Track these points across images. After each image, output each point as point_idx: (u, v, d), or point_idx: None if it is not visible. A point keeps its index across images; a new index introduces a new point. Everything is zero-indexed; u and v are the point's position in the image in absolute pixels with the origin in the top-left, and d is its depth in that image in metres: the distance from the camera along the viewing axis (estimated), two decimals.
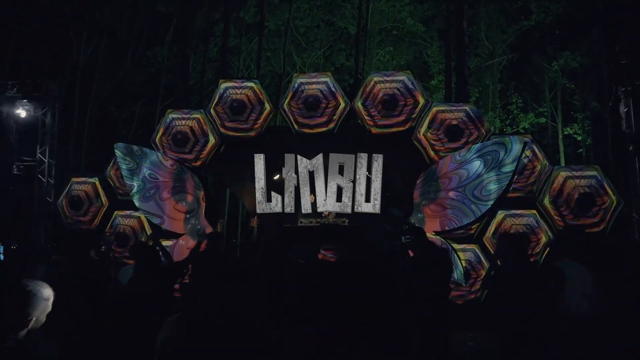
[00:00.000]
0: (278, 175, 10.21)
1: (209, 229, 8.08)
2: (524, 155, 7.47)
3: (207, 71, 17.49)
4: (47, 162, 9.32)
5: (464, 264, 7.43)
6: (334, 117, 8.17)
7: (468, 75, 10.59)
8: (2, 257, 4.00)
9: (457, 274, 7.37)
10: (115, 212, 8.46)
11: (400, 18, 16.86)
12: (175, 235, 8.05)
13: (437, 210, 7.53)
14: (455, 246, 7.52)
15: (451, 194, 7.50)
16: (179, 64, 16.16)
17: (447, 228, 7.45)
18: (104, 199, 8.53)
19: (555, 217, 7.45)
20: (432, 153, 7.83)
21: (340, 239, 8.64)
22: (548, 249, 7.27)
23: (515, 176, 7.41)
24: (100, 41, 14.96)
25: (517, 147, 7.31)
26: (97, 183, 8.62)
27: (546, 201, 7.51)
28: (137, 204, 8.08)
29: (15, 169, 9.20)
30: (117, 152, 8.20)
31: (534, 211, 7.52)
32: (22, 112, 9.04)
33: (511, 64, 19.16)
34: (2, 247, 4.05)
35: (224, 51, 15.97)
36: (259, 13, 17.63)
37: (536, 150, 7.70)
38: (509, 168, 7.32)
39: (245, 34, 17.93)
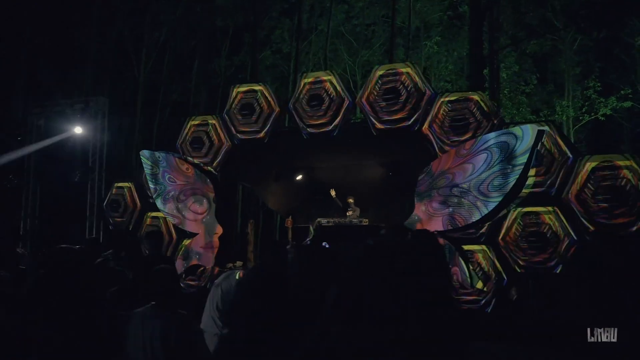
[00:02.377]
0: (301, 176, 10.34)
1: (219, 229, 8.46)
2: (539, 145, 6.66)
3: (261, 79, 18.18)
4: (97, 172, 10.43)
5: (471, 267, 6.84)
6: (338, 116, 8.03)
7: (484, 61, 9.64)
8: None
9: (464, 277, 6.82)
10: (147, 214, 9.22)
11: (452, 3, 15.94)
12: (192, 235, 8.53)
13: (440, 208, 7.03)
14: (464, 247, 6.96)
15: (455, 190, 6.95)
16: (234, 73, 17.07)
17: (450, 227, 6.91)
18: (137, 202, 9.34)
19: (582, 215, 6.52)
20: (438, 147, 7.32)
21: (356, 239, 8.50)
22: (573, 250, 6.46)
23: (530, 169, 6.63)
24: (161, 57, 16.40)
25: (529, 137, 6.54)
26: (132, 187, 9.47)
27: (570, 196, 6.61)
28: (159, 206, 8.71)
29: (76, 178, 10.40)
30: (142, 158, 8.92)
31: (555, 208, 6.66)
32: (78, 129, 10.24)
33: (597, 43, 17.08)
34: None
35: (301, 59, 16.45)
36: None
37: (558, 139, 6.82)
38: (520, 160, 6.56)
39: (301, 39, 18.27)
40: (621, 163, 6.46)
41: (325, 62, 16.58)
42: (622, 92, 15.32)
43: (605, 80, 16.72)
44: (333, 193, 9.86)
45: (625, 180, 6.33)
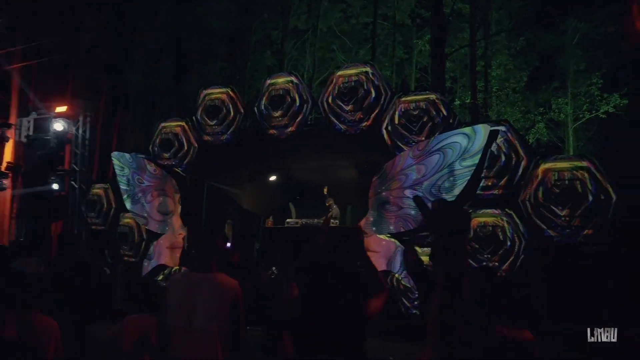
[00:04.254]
0: (275, 177, 10.33)
1: (184, 230, 8.53)
2: (493, 146, 6.46)
3: (262, 79, 18.24)
4: (79, 171, 10.67)
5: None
6: (299, 116, 7.99)
7: (445, 61, 9.36)
8: None
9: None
10: (122, 214, 9.39)
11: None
12: (158, 235, 8.64)
13: (393, 210, 6.90)
14: (417, 249, 6.82)
15: (407, 192, 6.81)
16: (231, 75, 17.17)
17: (402, 230, 6.77)
18: (112, 202, 9.52)
19: (536, 217, 6.29)
20: (394, 148, 7.19)
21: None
22: (523, 256, 6.25)
23: (483, 170, 6.44)
24: (152, 60, 16.64)
25: (482, 137, 6.35)
26: (110, 188, 9.65)
27: (524, 199, 6.39)
28: (128, 206, 8.86)
29: (53, 177, 10.65)
30: (114, 160, 9.09)
31: (509, 210, 6.45)
32: (59, 126, 10.48)
33: (606, 37, 16.40)
34: None
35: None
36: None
37: (512, 139, 6.59)
38: (471, 161, 6.39)
39: (295, 39, 18.25)
40: (576, 164, 6.21)
41: (314, 63, 16.50)
42: (626, 89, 14.68)
43: (613, 76, 16.07)
44: (325, 190, 9.79)
45: (579, 183, 6.08)
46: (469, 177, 6.38)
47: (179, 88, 19.34)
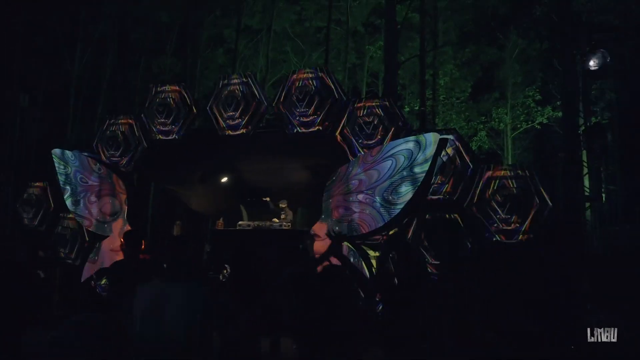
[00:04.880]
0: (226, 178, 10.18)
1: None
2: (443, 153, 6.76)
3: (213, 78, 17.90)
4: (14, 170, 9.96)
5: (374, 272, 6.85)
6: (253, 118, 7.94)
7: (397, 69, 9.77)
8: None
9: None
10: (62, 214, 8.87)
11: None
12: (101, 238, 8.26)
13: (346, 214, 7.02)
14: (371, 253, 6.98)
15: (360, 196, 6.96)
16: (181, 72, 16.73)
17: (355, 234, 6.92)
18: (51, 202, 8.98)
19: (480, 222, 6.65)
20: (349, 152, 7.33)
21: (274, 244, 8.41)
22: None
23: (433, 177, 6.72)
24: (102, 51, 15.92)
25: (432, 145, 6.62)
26: (47, 187, 9.10)
27: (470, 204, 6.73)
28: (69, 207, 8.40)
29: None
30: (54, 157, 8.59)
31: (456, 215, 6.77)
32: None
33: (541, 53, 17.56)
34: None
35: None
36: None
37: (460, 148, 6.93)
38: (422, 168, 6.65)
39: (247, 39, 18.07)
40: (518, 172, 6.63)
41: (267, 64, 16.45)
42: (558, 102, 15.85)
43: (546, 90, 17.27)
44: (267, 199, 9.72)
45: (513, 189, 6.51)
46: (419, 183, 6.65)
47: (124, 83, 18.59)
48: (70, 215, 8.61)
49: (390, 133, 7.10)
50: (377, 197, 6.84)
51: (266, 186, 9.99)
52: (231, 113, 8.03)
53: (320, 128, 7.58)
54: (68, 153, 8.52)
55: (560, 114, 15.74)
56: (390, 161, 6.84)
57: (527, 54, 17.49)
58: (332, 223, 7.08)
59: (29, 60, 12.84)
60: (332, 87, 7.54)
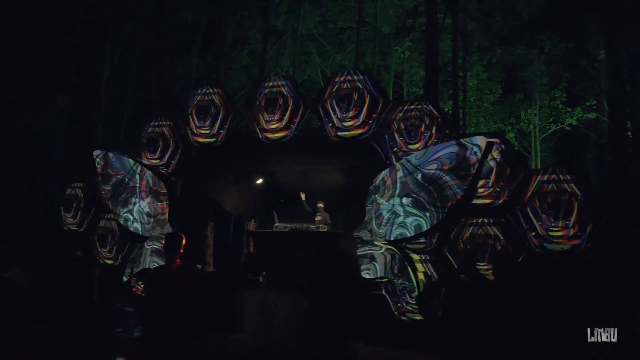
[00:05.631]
0: (261, 179, 10.24)
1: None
2: (489, 157, 6.71)
3: (237, 79, 18.00)
4: (53, 171, 10.10)
5: (421, 277, 6.84)
6: (293, 121, 7.96)
7: (438, 71, 9.69)
8: None
9: (412, 286, 6.84)
10: (101, 215, 8.99)
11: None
12: (143, 239, 8.35)
13: (390, 218, 7.01)
14: (415, 257, 6.97)
15: (405, 200, 6.94)
16: (206, 73, 16.84)
17: (399, 237, 6.90)
18: (91, 203, 9.10)
19: (528, 228, 6.59)
20: (390, 155, 7.31)
21: (313, 247, 8.43)
22: (519, 263, 6.50)
23: (479, 180, 6.67)
24: (129, 53, 16.09)
25: (479, 148, 6.58)
26: (87, 187, 9.22)
27: (516, 209, 6.67)
28: (111, 207, 8.51)
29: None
30: (96, 159, 8.71)
31: (502, 220, 6.71)
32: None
33: (565, 53, 17.35)
34: None
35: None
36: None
37: (506, 151, 6.87)
38: (468, 172, 6.60)
39: (272, 39, 18.11)
40: (566, 177, 6.55)
41: (295, 64, 16.48)
42: (587, 103, 15.64)
43: (572, 90, 17.05)
44: (303, 196, 9.72)
45: (567, 195, 6.42)
46: (465, 187, 6.60)
47: (149, 84, 18.76)
48: (111, 216, 8.72)
49: (434, 136, 7.07)
50: (421, 201, 6.81)
51: (299, 188, 10.00)
52: (271, 116, 8.06)
53: (361, 131, 7.57)
54: (110, 154, 8.63)
55: (590, 115, 15.57)
56: (436, 164, 6.80)
57: (552, 55, 17.28)
58: (376, 226, 7.08)
59: (60, 61, 13.05)
60: (374, 89, 7.53)
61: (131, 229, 8.37)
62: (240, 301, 2.58)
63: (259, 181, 10.09)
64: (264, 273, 7.93)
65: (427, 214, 6.79)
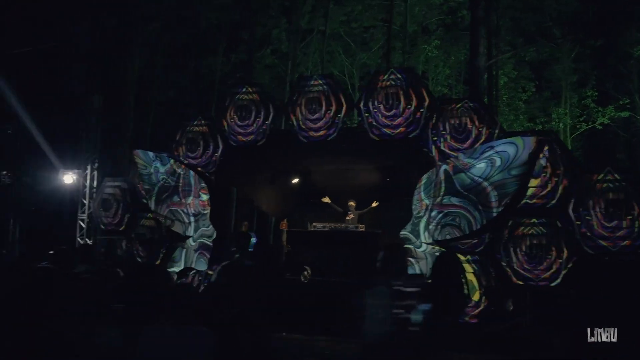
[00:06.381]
0: (297, 179, 10.20)
1: (213, 232, 8.30)
2: (541, 156, 6.58)
3: (260, 78, 18.01)
4: (90, 170, 10.22)
5: (470, 278, 6.73)
6: (335, 121, 7.91)
7: (484, 69, 9.54)
8: None
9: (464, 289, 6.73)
10: (139, 214, 9.02)
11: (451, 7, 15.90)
12: (183, 238, 8.37)
13: (439, 217, 6.93)
14: (462, 258, 6.86)
15: (453, 199, 6.86)
16: (229, 73, 16.87)
17: (448, 237, 6.81)
18: (129, 202, 9.13)
19: (580, 229, 6.44)
20: (436, 155, 7.22)
21: (352, 246, 8.38)
22: (571, 265, 6.37)
23: (530, 180, 6.55)
24: (154, 54, 16.21)
25: (530, 147, 6.47)
26: (125, 186, 9.26)
27: (569, 209, 6.52)
28: (151, 207, 8.55)
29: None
30: (136, 158, 8.76)
31: (555, 220, 6.57)
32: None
33: (593, 51, 17.07)
34: None
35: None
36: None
37: (558, 150, 6.73)
38: (519, 170, 6.51)
39: (293, 40, 18.07)
40: (617, 176, 6.39)
41: (323, 63, 16.43)
42: (620, 102, 15.35)
43: (601, 88, 16.76)
44: (327, 200, 9.68)
45: (624, 194, 6.27)
46: (516, 187, 6.50)
47: (174, 83, 18.87)
48: (150, 215, 8.76)
49: (484, 135, 6.96)
50: (471, 200, 6.72)
51: (334, 187, 9.95)
52: (312, 115, 8.03)
53: (405, 130, 7.50)
54: (150, 154, 8.67)
55: (623, 114, 15.27)
56: (485, 163, 6.71)
57: (581, 52, 17.00)
58: (423, 226, 7.01)
59: (92, 63, 13.19)
60: (418, 88, 7.45)
61: (172, 228, 8.39)
62: (359, 301, 2.52)
63: (295, 180, 10.05)
64: (306, 273, 7.90)
65: (477, 214, 6.70)
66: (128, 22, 13.31)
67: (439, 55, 16.80)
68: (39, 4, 12.88)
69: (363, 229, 8.92)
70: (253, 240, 4.16)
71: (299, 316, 6.06)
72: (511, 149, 6.57)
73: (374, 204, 9.23)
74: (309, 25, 18.74)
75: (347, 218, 9.50)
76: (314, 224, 9.20)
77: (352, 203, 9.49)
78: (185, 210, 8.40)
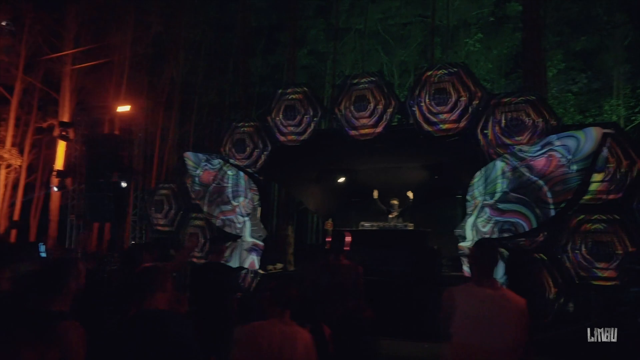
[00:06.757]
0: (343, 178, 10.18)
1: (264, 232, 8.38)
2: (604, 149, 6.28)
3: (296, 78, 18.12)
4: (142, 173, 10.52)
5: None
6: (384, 118, 7.82)
7: (543, 58, 9.13)
8: (44, 255, 4.77)
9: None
10: (190, 215, 9.24)
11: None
12: (234, 237, 8.49)
13: (494, 214, 6.73)
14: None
15: (510, 196, 6.64)
16: (268, 74, 17.05)
17: (505, 235, 6.60)
18: (180, 203, 9.37)
19: None
20: (490, 151, 7.01)
21: (402, 245, 8.29)
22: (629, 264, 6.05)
23: (593, 174, 6.26)
24: (196, 58, 16.60)
25: (593, 140, 6.19)
26: (175, 189, 9.51)
27: (636, 205, 6.20)
28: (202, 208, 8.72)
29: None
30: (187, 160, 8.96)
31: (620, 217, 6.25)
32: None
33: None
34: (43, 246, 4.79)
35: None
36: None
37: (623, 142, 6.40)
38: (582, 165, 6.23)
39: (335, 39, 18.07)
40: None
41: (362, 62, 16.33)
42: None
43: None
44: (376, 194, 9.61)
45: None
46: (578, 182, 6.23)
47: (214, 87, 19.27)
48: (201, 215, 8.94)
49: (541, 129, 6.71)
50: (530, 197, 6.49)
51: (379, 186, 9.87)
52: (360, 113, 7.97)
53: (457, 126, 7.33)
54: (200, 156, 8.85)
55: None
56: (545, 158, 6.47)
57: (633, 40, 16.17)
58: (480, 224, 6.82)
59: (141, 69, 13.67)
60: (470, 82, 7.27)
61: (223, 229, 8.53)
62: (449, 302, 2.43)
63: (341, 179, 10.04)
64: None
65: (536, 210, 6.46)
66: (174, 29, 13.69)
67: (480, 49, 16.37)
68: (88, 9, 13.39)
69: (412, 228, 8.81)
70: (348, 239, 4.08)
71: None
72: (572, 143, 6.30)
73: (410, 195, 9.09)
74: (346, 24, 18.72)
75: (390, 216, 9.41)
76: (362, 223, 9.15)
77: (394, 201, 9.39)
78: (234, 210, 8.51)
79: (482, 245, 2.68)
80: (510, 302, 2.30)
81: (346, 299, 3.43)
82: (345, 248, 4.01)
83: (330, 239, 4.02)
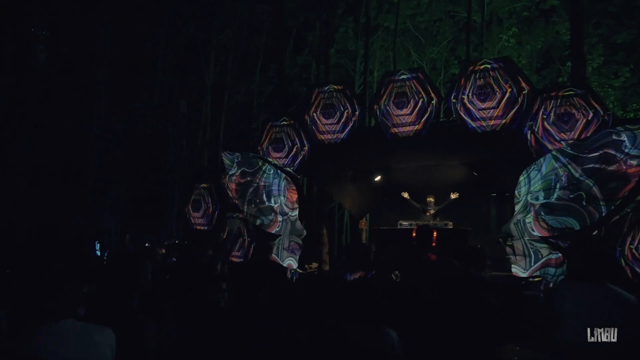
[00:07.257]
0: (379, 177, 10.06)
1: (303, 231, 8.35)
2: None
3: (328, 77, 18.05)
4: (179, 173, 10.67)
5: None
6: (426, 116, 7.68)
7: (586, 53, 8.80)
8: (98, 253, 4.84)
9: None
10: (229, 214, 9.28)
11: None
12: (273, 237, 8.49)
13: (544, 212, 6.52)
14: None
15: (561, 193, 6.42)
16: (296, 75, 17.03)
17: (556, 233, 6.39)
18: (217, 202, 9.43)
19: None
20: (538, 147, 6.81)
21: (441, 244, 8.12)
22: None
23: None
24: (227, 59, 16.75)
25: None
26: (213, 188, 9.58)
27: None
28: (240, 206, 8.75)
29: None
30: (224, 160, 9.01)
31: None
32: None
33: None
34: (98, 245, 4.85)
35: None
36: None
37: None
38: (637, 161, 5.97)
39: (367, 35, 17.93)
40: None
41: (395, 59, 16.15)
42: None
43: None
44: (406, 195, 9.45)
45: None
46: (636, 179, 5.98)
47: (243, 87, 19.40)
48: (238, 214, 8.97)
49: (593, 124, 6.47)
50: (582, 194, 6.26)
51: (417, 184, 9.71)
52: (400, 110, 7.85)
53: (503, 122, 7.14)
54: (237, 155, 8.88)
55: None
56: (598, 154, 6.23)
57: None
58: (527, 222, 6.62)
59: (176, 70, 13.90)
60: (516, 77, 7.07)
61: (262, 227, 8.54)
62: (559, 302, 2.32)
63: (377, 178, 9.92)
64: (397, 272, 7.74)
65: (589, 208, 6.22)
66: (205, 31, 13.84)
67: (513, 45, 15.97)
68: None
69: (451, 226, 8.63)
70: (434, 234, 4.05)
71: None
72: (628, 138, 6.05)
73: (453, 196, 8.87)
74: (374, 21, 18.53)
75: (427, 214, 9.24)
76: (401, 222, 9.02)
77: (430, 199, 9.21)
78: (273, 209, 8.51)
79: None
80: None
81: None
82: (432, 244, 3.93)
83: (415, 235, 3.94)
